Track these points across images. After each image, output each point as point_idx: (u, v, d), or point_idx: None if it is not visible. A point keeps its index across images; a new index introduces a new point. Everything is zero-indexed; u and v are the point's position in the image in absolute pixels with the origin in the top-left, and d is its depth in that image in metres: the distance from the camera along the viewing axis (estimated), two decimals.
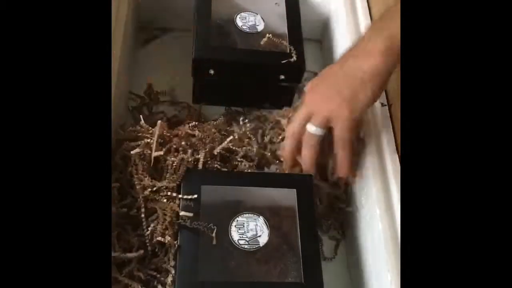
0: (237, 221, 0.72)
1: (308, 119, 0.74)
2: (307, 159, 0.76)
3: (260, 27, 0.93)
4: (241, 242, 0.70)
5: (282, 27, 0.93)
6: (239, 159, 0.81)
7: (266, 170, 0.85)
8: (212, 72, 0.88)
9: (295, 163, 0.79)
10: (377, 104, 0.83)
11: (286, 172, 0.80)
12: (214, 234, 0.69)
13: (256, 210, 0.73)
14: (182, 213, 0.71)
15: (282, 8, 0.96)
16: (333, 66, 0.76)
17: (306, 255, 0.70)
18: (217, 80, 0.89)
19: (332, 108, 0.72)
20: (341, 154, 0.74)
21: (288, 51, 0.89)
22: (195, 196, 0.72)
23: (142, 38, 1.05)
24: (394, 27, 0.67)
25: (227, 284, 0.67)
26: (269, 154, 0.84)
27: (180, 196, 0.73)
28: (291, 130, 0.76)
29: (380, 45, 0.68)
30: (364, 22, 0.93)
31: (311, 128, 0.74)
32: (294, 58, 0.88)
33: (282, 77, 0.90)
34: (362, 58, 0.70)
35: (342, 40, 0.98)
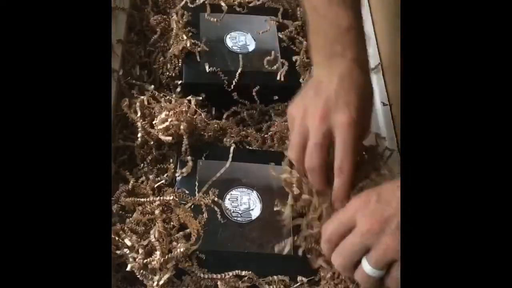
0: (231, 194, 0.72)
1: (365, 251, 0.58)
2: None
3: (251, 47, 0.90)
4: (234, 214, 0.70)
5: (273, 45, 0.92)
6: None
7: None
8: (203, 95, 0.84)
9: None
10: (378, 103, 0.83)
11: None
12: None
13: (250, 185, 0.73)
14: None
15: (273, 26, 0.94)
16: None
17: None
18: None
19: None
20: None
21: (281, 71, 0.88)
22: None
23: None
24: None
25: (219, 253, 0.67)
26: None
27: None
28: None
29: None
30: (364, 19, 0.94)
31: (368, 268, 0.57)
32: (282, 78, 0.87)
33: (276, 97, 0.88)
34: None
35: None
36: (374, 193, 0.58)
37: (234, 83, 0.85)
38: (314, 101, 0.65)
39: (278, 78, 0.87)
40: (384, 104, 0.83)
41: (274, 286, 0.65)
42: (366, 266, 0.56)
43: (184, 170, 0.73)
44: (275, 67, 0.88)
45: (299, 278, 0.66)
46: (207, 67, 0.85)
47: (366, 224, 0.56)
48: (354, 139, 0.63)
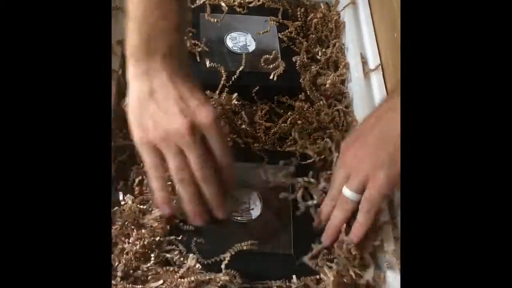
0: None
1: (345, 182, 0.68)
2: (337, 221, 0.68)
3: (251, 47, 0.91)
4: (234, 213, 0.70)
5: (274, 45, 0.92)
6: None
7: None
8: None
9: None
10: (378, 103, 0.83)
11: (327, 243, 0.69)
12: None
13: (250, 185, 0.73)
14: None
15: (273, 26, 0.95)
16: (368, 120, 0.70)
17: (297, 232, 0.70)
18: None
19: (369, 172, 0.66)
20: (362, 218, 0.67)
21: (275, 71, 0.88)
22: None
23: None
24: None
25: (219, 253, 0.65)
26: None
27: None
28: (330, 194, 0.70)
29: None
30: (365, 20, 0.95)
31: (347, 192, 0.67)
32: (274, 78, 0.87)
33: (276, 97, 0.87)
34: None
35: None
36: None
37: (233, 79, 0.84)
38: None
39: (271, 77, 0.86)
40: None
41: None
42: (347, 192, 0.67)
43: None
44: (271, 66, 0.88)
45: (294, 279, 0.65)
46: (207, 63, 0.85)
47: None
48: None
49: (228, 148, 0.67)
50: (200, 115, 0.62)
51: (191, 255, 0.64)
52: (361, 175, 0.66)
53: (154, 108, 0.62)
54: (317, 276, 0.66)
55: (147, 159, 0.64)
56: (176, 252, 0.65)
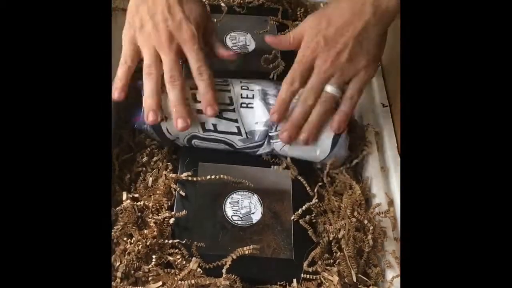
0: (231, 197, 0.71)
1: (327, 81, 0.70)
2: (321, 118, 0.71)
3: (251, 47, 0.91)
4: (235, 218, 0.70)
5: None
6: None
7: None
8: None
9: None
10: (378, 104, 0.83)
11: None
12: None
13: (251, 188, 0.73)
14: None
15: (273, 26, 0.95)
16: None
17: (297, 236, 0.70)
18: None
19: (359, 69, 0.70)
20: (346, 106, 0.72)
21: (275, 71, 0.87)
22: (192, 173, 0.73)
23: None
24: None
25: (220, 257, 0.66)
26: None
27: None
28: (309, 89, 0.71)
29: None
30: None
31: (331, 89, 0.71)
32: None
33: None
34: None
35: None
36: (320, 36, 0.69)
37: None
38: None
39: (271, 77, 0.86)
40: (384, 106, 0.83)
41: None
42: (330, 88, 0.70)
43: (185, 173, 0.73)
44: (271, 66, 0.87)
45: (295, 283, 0.66)
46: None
47: (325, 63, 0.69)
48: (199, 48, 0.71)
49: (205, 65, 0.72)
50: (181, 30, 0.70)
51: (194, 258, 0.65)
52: (350, 73, 0.70)
53: (144, 10, 0.70)
54: (318, 280, 0.66)
55: (126, 52, 0.71)
56: (178, 256, 0.65)
